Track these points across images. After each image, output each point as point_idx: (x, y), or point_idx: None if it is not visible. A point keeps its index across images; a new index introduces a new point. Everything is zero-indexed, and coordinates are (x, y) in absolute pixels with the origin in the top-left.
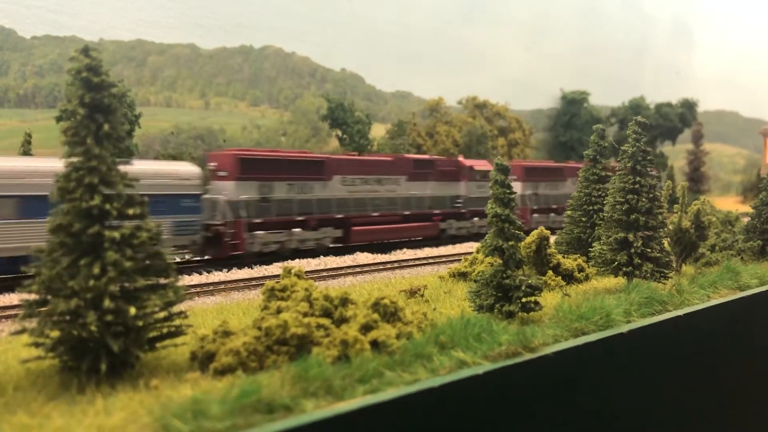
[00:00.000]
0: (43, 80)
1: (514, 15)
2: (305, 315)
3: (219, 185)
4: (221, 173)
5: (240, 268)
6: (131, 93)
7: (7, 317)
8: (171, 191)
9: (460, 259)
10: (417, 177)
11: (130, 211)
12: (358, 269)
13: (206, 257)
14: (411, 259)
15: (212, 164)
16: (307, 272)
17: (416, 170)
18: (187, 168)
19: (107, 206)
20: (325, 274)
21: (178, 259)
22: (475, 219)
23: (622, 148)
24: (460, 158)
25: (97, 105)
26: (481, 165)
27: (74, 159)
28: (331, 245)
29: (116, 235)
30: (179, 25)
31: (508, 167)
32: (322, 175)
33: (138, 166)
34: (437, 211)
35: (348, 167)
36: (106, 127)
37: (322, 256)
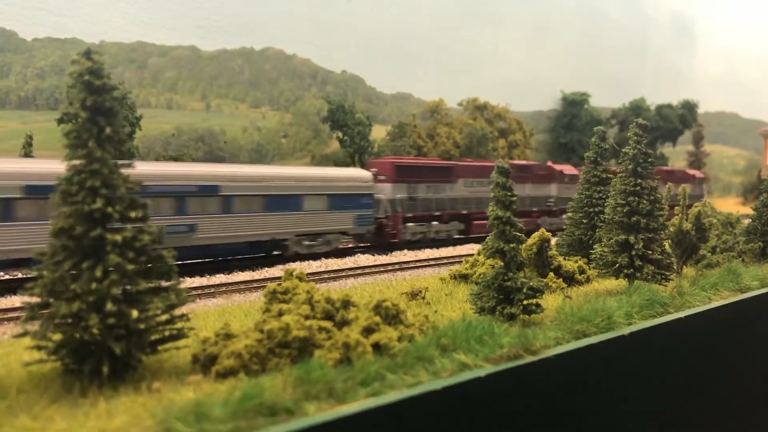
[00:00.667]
0: (44, 82)
1: (515, 16)
2: (307, 318)
3: (378, 187)
4: (380, 177)
5: (394, 252)
6: (132, 95)
7: (9, 320)
8: (356, 191)
9: (461, 261)
10: (519, 180)
11: (132, 214)
12: (359, 271)
13: (369, 244)
14: (412, 261)
15: (373, 169)
16: (308, 274)
17: (518, 174)
18: (364, 173)
19: (109, 209)
20: (326, 276)
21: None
22: (564, 216)
23: (624, 150)
24: (549, 163)
25: (98, 108)
26: (569, 170)
27: (76, 162)
28: (456, 236)
29: (118, 238)
30: (180, 26)
31: (509, 169)
32: (450, 179)
33: (338, 173)
34: (535, 209)
35: (468, 172)
36: (107, 130)
37: (323, 258)
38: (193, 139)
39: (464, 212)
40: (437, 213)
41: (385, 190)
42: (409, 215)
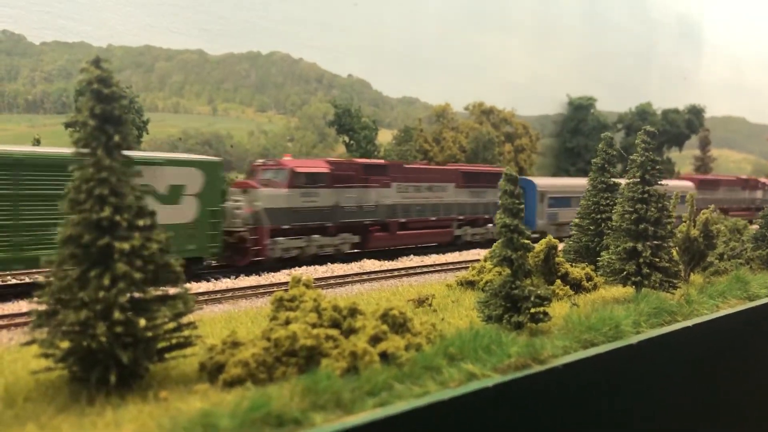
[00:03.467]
0: (51, 86)
1: (521, 21)
2: (314, 326)
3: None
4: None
5: None
6: (139, 99)
7: (17, 325)
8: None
9: (467, 267)
10: (747, 187)
11: (140, 222)
12: (366, 277)
13: None
14: (418, 267)
15: (688, 181)
16: (314, 280)
17: (745, 184)
18: (690, 183)
19: (117, 217)
20: (332, 281)
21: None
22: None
23: (631, 157)
24: (755, 177)
25: (107, 116)
26: (765, 180)
27: (84, 170)
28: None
29: (126, 246)
30: (187, 30)
31: (517, 177)
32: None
33: (684, 183)
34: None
35: (730, 182)
36: (116, 138)
37: (329, 263)
38: (199, 143)
39: (724, 207)
40: (725, 206)
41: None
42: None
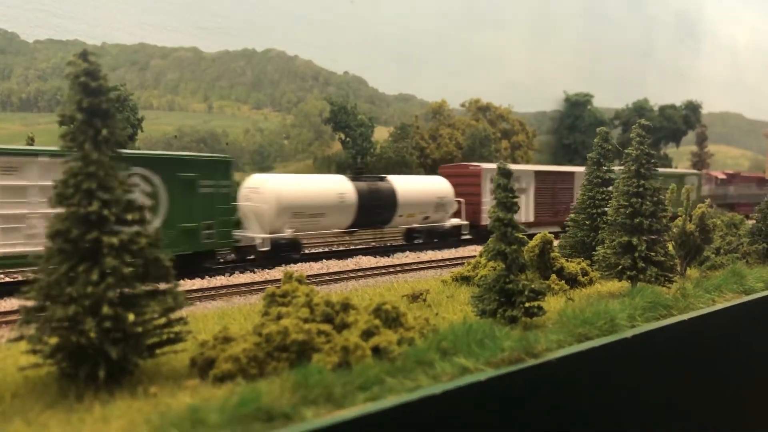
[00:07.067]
0: (45, 84)
1: (517, 17)
2: (306, 321)
3: None
4: None
5: None
6: (134, 96)
7: (7, 323)
8: None
9: (463, 263)
10: None
11: (129, 217)
12: (360, 273)
13: None
14: (414, 263)
15: None
16: (308, 276)
17: None
18: None
19: (105, 212)
20: (327, 278)
21: None
22: None
23: (626, 151)
24: None
25: (95, 110)
26: None
27: (72, 164)
28: None
29: (115, 241)
30: (182, 28)
31: (511, 171)
32: None
33: None
34: None
35: None
36: (104, 131)
37: (324, 260)
38: (194, 140)
39: None
40: None
41: None
42: None
